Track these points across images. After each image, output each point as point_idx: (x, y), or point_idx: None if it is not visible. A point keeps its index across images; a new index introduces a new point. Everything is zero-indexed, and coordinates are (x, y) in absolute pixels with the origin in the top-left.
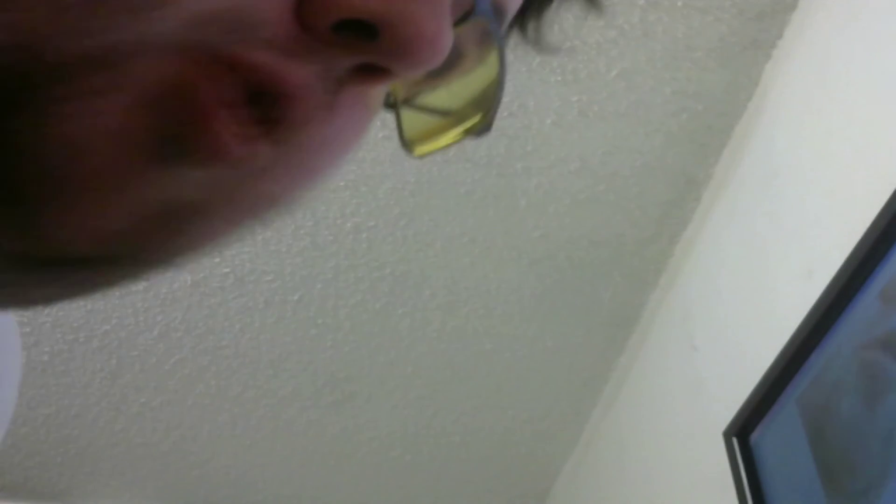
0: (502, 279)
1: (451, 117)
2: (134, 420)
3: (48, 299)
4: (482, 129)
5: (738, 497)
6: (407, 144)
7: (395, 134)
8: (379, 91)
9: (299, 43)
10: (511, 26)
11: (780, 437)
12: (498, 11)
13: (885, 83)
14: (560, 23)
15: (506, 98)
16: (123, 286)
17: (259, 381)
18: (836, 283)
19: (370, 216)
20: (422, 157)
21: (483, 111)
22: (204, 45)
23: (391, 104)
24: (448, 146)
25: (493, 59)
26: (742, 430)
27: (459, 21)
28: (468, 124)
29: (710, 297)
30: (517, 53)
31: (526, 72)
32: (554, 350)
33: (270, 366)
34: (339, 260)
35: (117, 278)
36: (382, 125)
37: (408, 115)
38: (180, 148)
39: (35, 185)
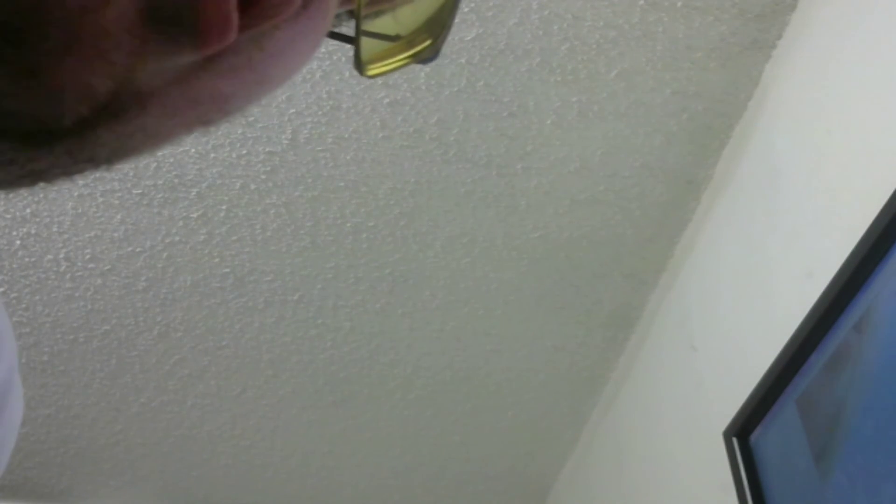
0: (502, 279)
1: (401, 41)
2: (134, 420)
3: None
4: (431, 53)
5: (738, 497)
6: (361, 66)
7: (394, 134)
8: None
9: None
10: None
11: (780, 437)
12: None
13: (885, 83)
14: None
15: (506, 98)
16: (64, 178)
17: (259, 381)
18: (836, 283)
19: (370, 216)
20: (373, 77)
21: (433, 37)
22: None
23: (344, 36)
24: (397, 69)
25: None
26: (742, 430)
27: None
28: (418, 48)
29: (709, 297)
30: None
31: (526, 72)
32: (554, 350)
33: (270, 366)
34: (339, 260)
35: (67, 166)
36: (382, 125)
37: (364, 41)
38: (178, 20)
39: (38, 35)
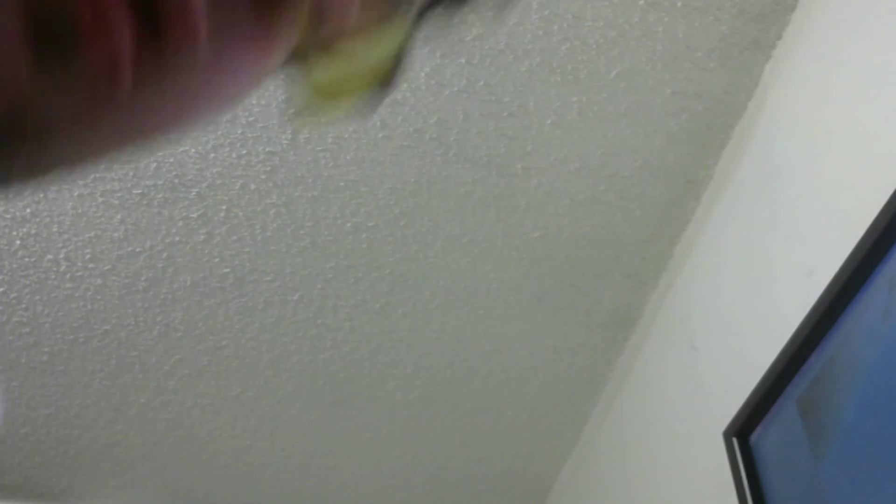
0: (502, 279)
1: (350, 83)
2: (134, 420)
3: None
4: (376, 99)
5: (738, 497)
6: (298, 107)
7: (394, 134)
8: (275, 45)
9: None
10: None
11: (780, 437)
12: None
13: (886, 83)
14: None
15: (506, 98)
16: None
17: (259, 381)
18: (836, 283)
19: (370, 216)
20: (305, 130)
21: (383, 82)
22: None
23: (294, 72)
24: (343, 111)
25: (399, 28)
26: (742, 430)
27: None
28: (363, 92)
29: (710, 297)
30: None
31: (526, 72)
32: (554, 350)
33: (270, 366)
34: (339, 260)
35: None
36: (382, 125)
37: (305, 79)
38: (56, 45)
39: None
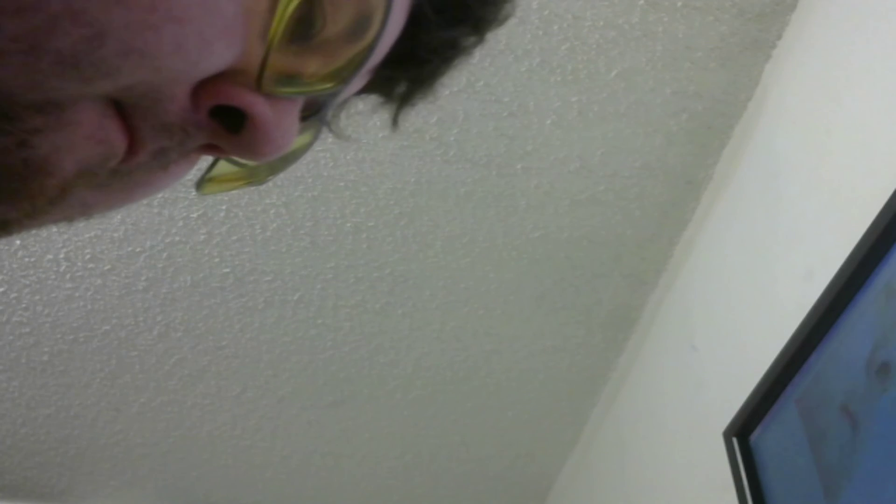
0: (502, 279)
1: (244, 171)
2: (134, 420)
3: None
4: (263, 183)
5: (738, 497)
6: (201, 184)
7: (394, 134)
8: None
9: (182, 119)
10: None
11: (780, 437)
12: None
13: (885, 83)
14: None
15: (506, 98)
16: None
17: (259, 381)
18: (836, 283)
19: (370, 216)
20: (206, 194)
21: (273, 172)
22: (122, 101)
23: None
24: (231, 190)
25: (306, 140)
26: (742, 430)
27: (300, 120)
28: (255, 179)
29: (709, 297)
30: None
31: (526, 72)
32: (554, 350)
33: (270, 366)
34: (339, 260)
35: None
36: (383, 125)
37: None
38: (103, 167)
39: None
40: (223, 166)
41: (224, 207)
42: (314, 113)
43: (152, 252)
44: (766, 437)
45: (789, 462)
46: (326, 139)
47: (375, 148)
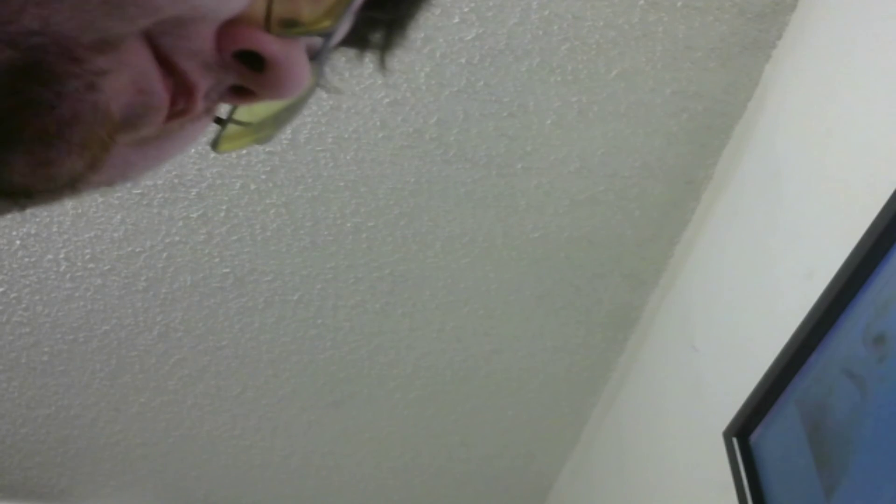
0: (502, 279)
1: (251, 127)
2: (134, 420)
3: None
4: (269, 140)
5: (738, 497)
6: (214, 143)
7: (394, 134)
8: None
9: (212, 58)
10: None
11: (780, 437)
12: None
13: (885, 83)
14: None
15: (506, 98)
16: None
17: (259, 381)
18: (836, 283)
19: (370, 216)
20: (222, 152)
21: (277, 127)
22: (157, 39)
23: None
24: (241, 147)
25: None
26: (742, 430)
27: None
28: (261, 135)
29: (710, 297)
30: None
31: (526, 72)
32: (554, 350)
33: (270, 366)
34: (339, 260)
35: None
36: (383, 125)
37: (228, 126)
38: (142, 118)
39: (53, 128)
40: (231, 128)
41: (224, 207)
42: (313, 58)
43: (152, 252)
44: (766, 437)
45: (789, 462)
46: (326, 139)
47: (375, 148)
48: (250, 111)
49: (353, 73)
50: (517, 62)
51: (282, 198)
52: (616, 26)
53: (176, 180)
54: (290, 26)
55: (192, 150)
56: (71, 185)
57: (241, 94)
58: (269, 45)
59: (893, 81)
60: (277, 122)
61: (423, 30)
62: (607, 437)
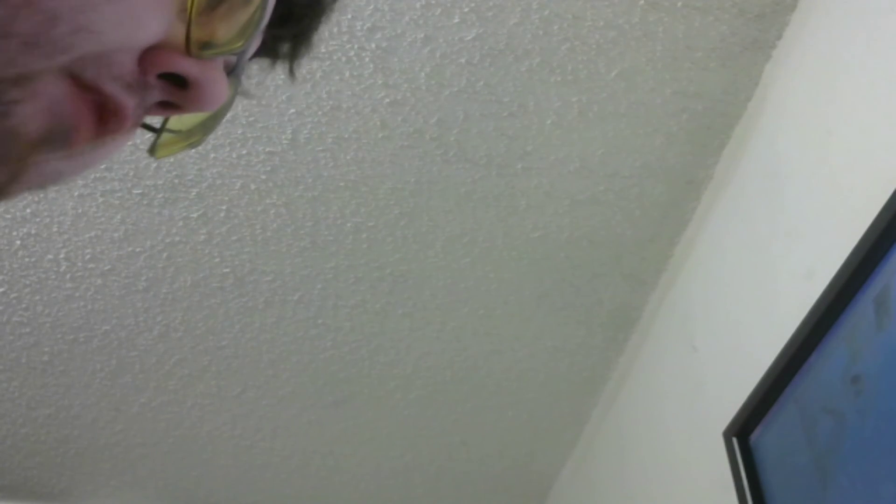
0: (502, 279)
1: (182, 134)
2: (134, 420)
3: None
4: (199, 143)
5: (738, 497)
6: (152, 150)
7: (394, 134)
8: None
9: (134, 79)
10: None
11: (780, 437)
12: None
13: (885, 83)
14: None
15: (506, 98)
16: None
17: (259, 381)
18: (836, 283)
19: (370, 216)
20: (160, 157)
21: (204, 133)
22: (79, 74)
23: (149, 127)
24: (176, 152)
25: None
26: (742, 430)
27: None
28: (192, 140)
29: (710, 297)
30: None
31: (526, 72)
32: (554, 350)
33: (270, 366)
34: (339, 260)
35: None
36: (383, 125)
37: (162, 134)
38: (58, 138)
39: None
40: (165, 136)
41: (224, 207)
42: (230, 73)
43: (152, 252)
44: (766, 437)
45: (789, 462)
46: (326, 139)
47: (375, 148)
48: (180, 121)
49: (353, 73)
50: (517, 62)
51: (282, 198)
52: (616, 26)
53: (176, 180)
54: (206, 48)
55: (193, 152)
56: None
57: (168, 107)
58: (189, 67)
59: (893, 81)
60: (205, 128)
61: (424, 30)
62: (607, 437)
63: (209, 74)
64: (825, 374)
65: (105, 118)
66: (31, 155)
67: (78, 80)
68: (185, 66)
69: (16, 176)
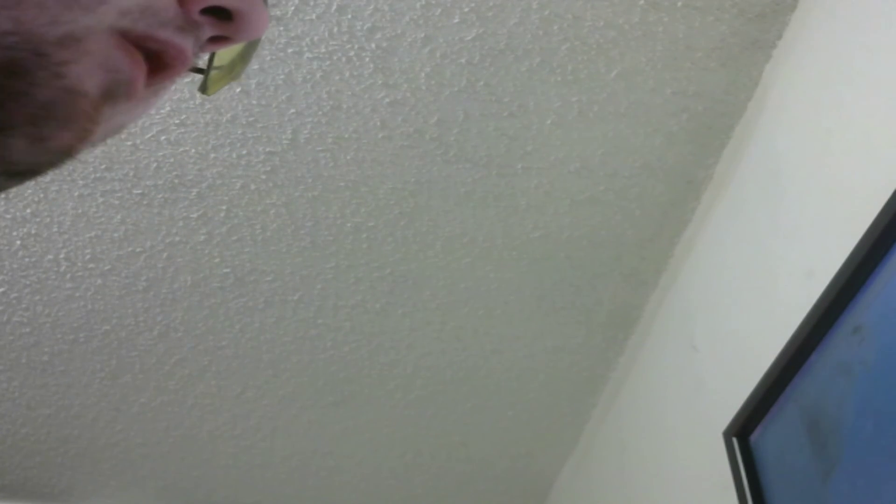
0: (502, 279)
1: (225, 69)
2: (134, 420)
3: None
4: (240, 74)
5: (738, 497)
6: (204, 88)
7: (394, 134)
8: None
9: (183, 20)
10: None
11: (780, 437)
12: None
13: (885, 83)
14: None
15: (506, 98)
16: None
17: (259, 381)
18: (836, 283)
19: (370, 216)
20: (210, 94)
21: (245, 62)
22: (129, 28)
23: (197, 69)
24: (223, 86)
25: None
26: (742, 430)
27: None
28: (237, 72)
29: (710, 297)
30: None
31: (526, 72)
32: (554, 350)
33: (270, 366)
34: (339, 260)
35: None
36: (383, 125)
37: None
38: (118, 91)
39: (38, 111)
40: (213, 73)
41: (224, 207)
42: None
43: (152, 252)
44: (766, 437)
45: (789, 462)
46: (326, 139)
47: (375, 148)
48: (220, 56)
49: (353, 73)
50: (517, 62)
51: (282, 198)
52: (616, 26)
53: (176, 180)
54: None
55: (193, 151)
56: (68, 154)
57: (218, 41)
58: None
59: (893, 81)
60: (244, 59)
61: (424, 30)
62: (607, 437)
63: (250, 2)
64: (825, 373)
65: (165, 63)
66: (96, 113)
67: (130, 36)
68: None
69: (85, 135)
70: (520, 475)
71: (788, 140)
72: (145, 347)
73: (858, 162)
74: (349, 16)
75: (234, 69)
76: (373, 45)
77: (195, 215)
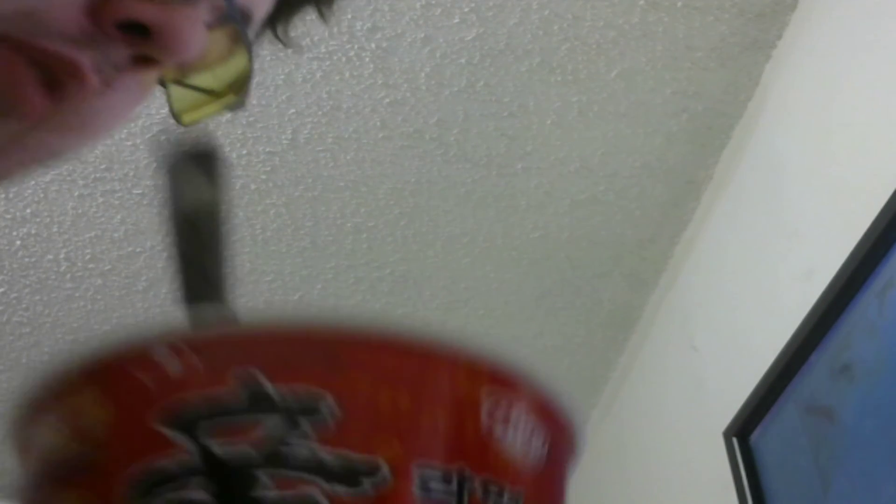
0: (502, 279)
1: (213, 95)
2: None
3: None
4: (237, 105)
5: (738, 497)
6: (175, 115)
7: (394, 134)
8: (152, 75)
9: (88, 35)
10: (264, 27)
11: (780, 437)
12: (245, 17)
13: (885, 83)
14: (304, 23)
15: (506, 98)
16: None
17: None
18: (836, 283)
19: (370, 216)
20: (188, 124)
21: (237, 92)
22: (5, 33)
23: (163, 83)
24: (210, 116)
25: (244, 53)
26: (742, 430)
27: (215, 24)
28: (226, 101)
29: (710, 297)
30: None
31: (526, 72)
32: (554, 350)
33: None
34: (339, 260)
35: None
36: (383, 125)
37: (178, 92)
38: (3, 108)
39: None
40: (187, 96)
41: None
42: (223, 19)
43: (152, 252)
44: (766, 437)
45: (789, 462)
46: (326, 139)
47: (375, 148)
48: (214, 76)
49: (353, 73)
50: (517, 62)
51: (282, 198)
52: (616, 26)
53: None
54: None
55: None
56: None
57: (144, 62)
58: (144, 12)
59: (893, 81)
60: (235, 88)
61: (424, 30)
62: (607, 437)
63: (172, 17)
64: (825, 373)
65: (61, 80)
66: None
67: (9, 42)
68: (140, 11)
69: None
70: None
71: (788, 140)
72: None
73: (858, 162)
74: (349, 16)
75: (225, 97)
76: (373, 45)
77: None
